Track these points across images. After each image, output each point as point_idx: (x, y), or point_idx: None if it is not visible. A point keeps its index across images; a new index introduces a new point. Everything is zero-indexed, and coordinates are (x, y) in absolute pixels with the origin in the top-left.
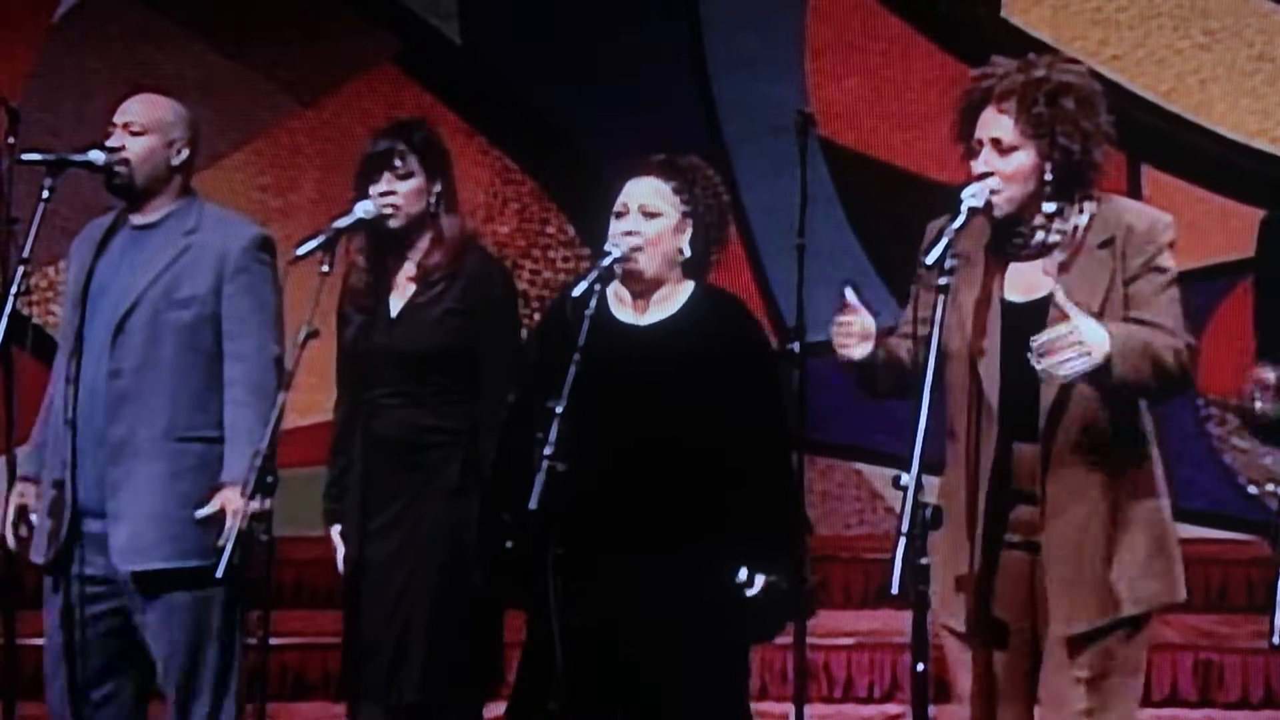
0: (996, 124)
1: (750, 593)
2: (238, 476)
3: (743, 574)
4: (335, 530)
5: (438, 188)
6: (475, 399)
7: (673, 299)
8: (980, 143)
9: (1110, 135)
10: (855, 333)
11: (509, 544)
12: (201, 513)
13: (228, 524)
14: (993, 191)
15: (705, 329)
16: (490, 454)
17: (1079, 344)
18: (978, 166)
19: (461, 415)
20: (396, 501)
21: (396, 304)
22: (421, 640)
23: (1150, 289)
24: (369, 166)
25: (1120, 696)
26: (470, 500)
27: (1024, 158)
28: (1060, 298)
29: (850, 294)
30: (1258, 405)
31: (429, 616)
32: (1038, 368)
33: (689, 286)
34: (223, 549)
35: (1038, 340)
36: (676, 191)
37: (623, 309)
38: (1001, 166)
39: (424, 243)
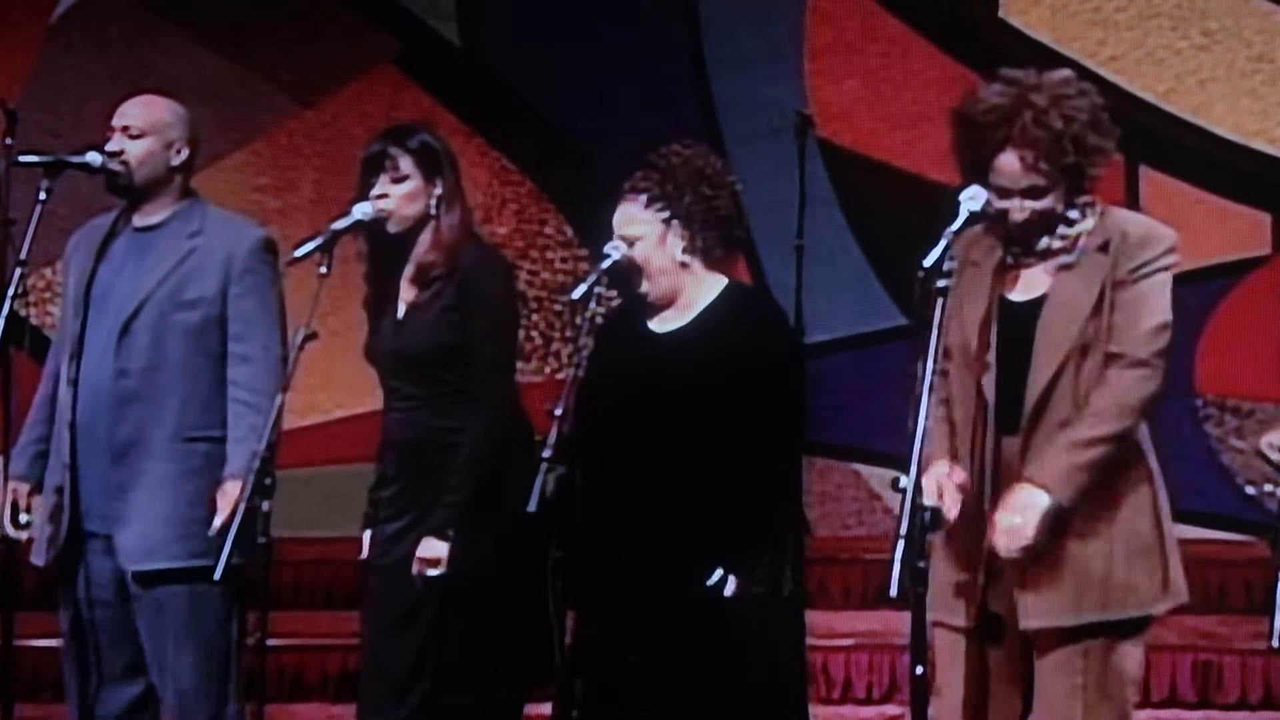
0: (1026, 177)
1: (725, 593)
2: (239, 470)
3: (716, 575)
4: (368, 535)
5: (438, 189)
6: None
7: (695, 304)
8: (1006, 191)
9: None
10: None
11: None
12: (215, 525)
13: (221, 518)
14: (1033, 225)
15: (723, 333)
16: (481, 453)
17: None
18: (1015, 214)
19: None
20: (415, 505)
21: (402, 307)
22: (449, 642)
23: (1126, 297)
24: (365, 170)
25: (1113, 702)
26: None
27: (1054, 193)
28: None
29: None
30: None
31: (454, 617)
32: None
33: (715, 286)
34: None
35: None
36: (650, 203)
37: (652, 316)
38: (1036, 205)
39: (425, 244)
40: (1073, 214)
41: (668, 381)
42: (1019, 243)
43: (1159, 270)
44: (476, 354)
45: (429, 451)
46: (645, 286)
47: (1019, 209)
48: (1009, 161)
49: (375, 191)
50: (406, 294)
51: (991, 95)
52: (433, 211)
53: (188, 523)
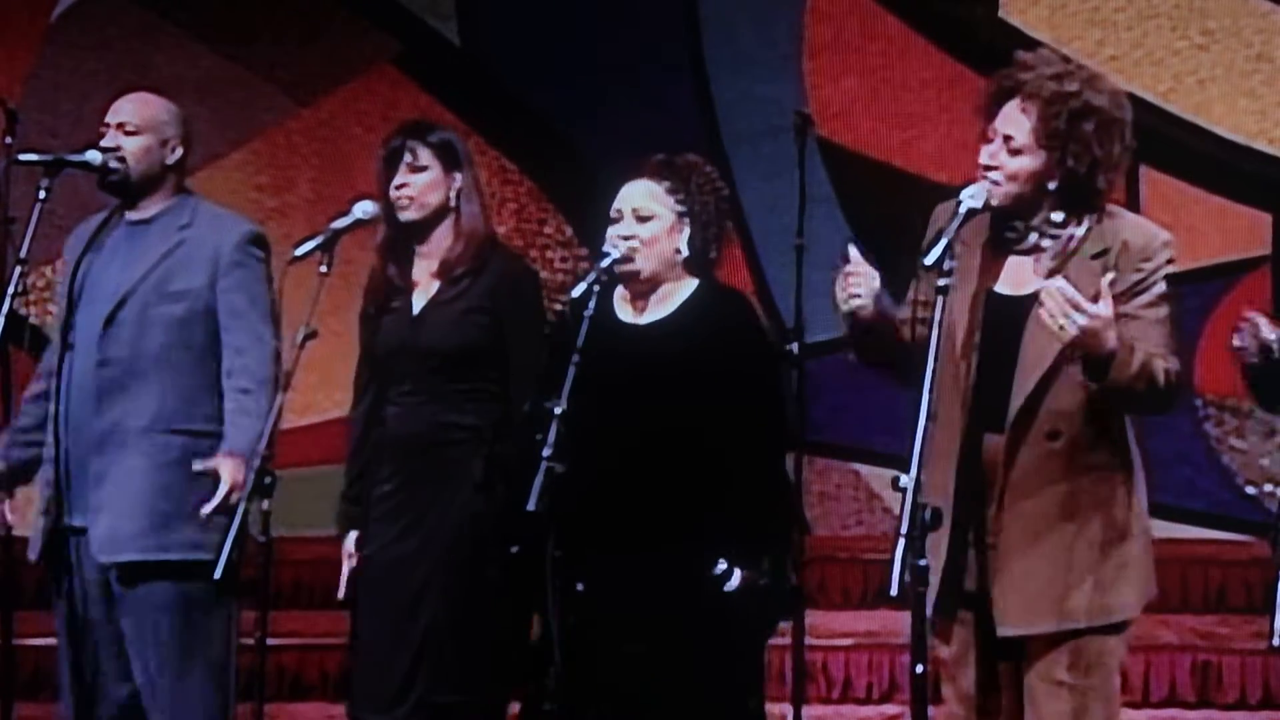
0: (1015, 122)
1: (728, 586)
2: (240, 447)
3: (721, 565)
4: (352, 536)
5: (457, 183)
6: (500, 397)
7: (673, 298)
8: (995, 133)
9: (1123, 163)
10: (860, 284)
11: (514, 548)
12: (199, 465)
13: (218, 498)
14: (993, 183)
15: (702, 326)
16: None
17: (1079, 310)
18: (983, 156)
19: (483, 412)
20: (417, 500)
21: (419, 301)
22: (446, 639)
23: (1140, 308)
24: (385, 165)
25: (1100, 698)
26: (493, 496)
27: (1029, 162)
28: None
29: (854, 251)
30: (1236, 341)
31: (452, 614)
32: (1044, 316)
33: (691, 284)
34: (211, 540)
35: (1049, 285)
36: (671, 191)
37: (625, 309)
38: (1006, 163)
39: (445, 238)
40: (1053, 214)
41: (655, 371)
42: (1000, 226)
43: (1159, 281)
44: (518, 359)
45: (429, 447)
46: (638, 264)
47: (990, 154)
48: (1008, 108)
49: (395, 181)
50: (426, 288)
51: (1044, 57)
52: (453, 203)
53: (159, 515)
